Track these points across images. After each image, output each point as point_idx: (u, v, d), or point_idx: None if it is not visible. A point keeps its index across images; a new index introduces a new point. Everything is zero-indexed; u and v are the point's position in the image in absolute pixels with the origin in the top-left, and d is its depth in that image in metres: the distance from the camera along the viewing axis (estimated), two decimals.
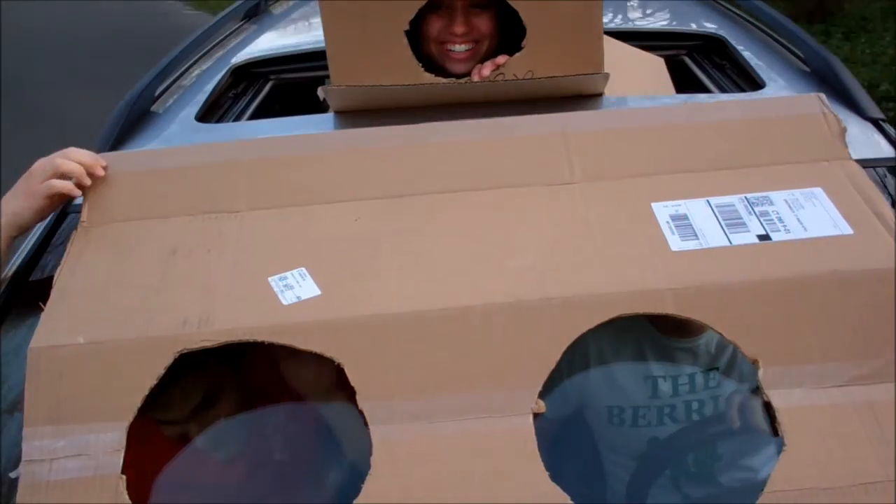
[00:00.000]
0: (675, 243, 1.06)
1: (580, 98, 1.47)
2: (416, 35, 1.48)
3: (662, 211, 1.11)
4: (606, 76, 1.41)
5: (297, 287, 1.05)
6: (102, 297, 1.06)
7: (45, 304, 1.05)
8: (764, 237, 1.06)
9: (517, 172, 1.18)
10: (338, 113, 1.50)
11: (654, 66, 1.75)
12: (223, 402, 1.25)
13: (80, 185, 1.18)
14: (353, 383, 0.97)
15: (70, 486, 0.94)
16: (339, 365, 0.98)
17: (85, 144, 1.28)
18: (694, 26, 2.05)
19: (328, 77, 1.43)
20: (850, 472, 0.92)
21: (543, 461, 0.93)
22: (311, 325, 1.00)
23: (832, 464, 0.92)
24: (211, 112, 1.77)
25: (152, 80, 1.69)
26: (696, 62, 1.95)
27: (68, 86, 6.52)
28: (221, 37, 2.23)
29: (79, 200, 1.20)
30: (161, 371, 0.98)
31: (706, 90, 1.79)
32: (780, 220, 1.09)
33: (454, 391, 0.97)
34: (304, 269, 1.07)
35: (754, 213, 1.10)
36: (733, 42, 1.90)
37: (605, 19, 1.39)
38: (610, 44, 1.46)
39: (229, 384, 1.26)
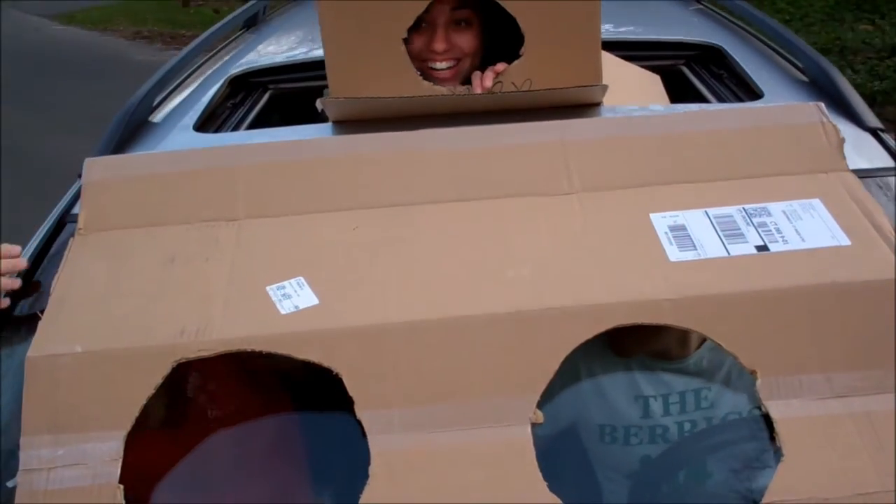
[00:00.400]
0: (674, 254, 1.07)
1: (578, 108, 1.47)
2: None
3: (661, 222, 1.11)
4: (605, 87, 1.41)
5: (295, 296, 1.05)
6: (100, 305, 1.06)
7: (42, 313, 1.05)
8: (762, 248, 1.07)
9: (516, 182, 1.18)
10: (336, 123, 1.50)
11: (650, 81, 1.75)
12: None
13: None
14: (351, 393, 0.97)
15: (68, 495, 0.94)
16: (337, 375, 0.98)
17: None
18: (691, 36, 2.05)
19: (327, 87, 1.43)
20: (849, 482, 0.92)
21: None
22: (309, 334, 1.00)
23: (830, 474, 0.92)
24: (209, 122, 1.76)
25: (150, 90, 1.69)
26: (693, 72, 1.95)
27: None
28: (220, 46, 2.23)
29: (77, 209, 1.20)
30: (159, 380, 0.98)
31: (704, 100, 1.79)
32: (778, 231, 1.09)
33: (452, 401, 0.97)
34: (301, 278, 1.07)
35: (752, 224, 1.10)
36: (731, 52, 1.90)
37: (602, 28, 1.39)
38: (607, 59, 1.46)
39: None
